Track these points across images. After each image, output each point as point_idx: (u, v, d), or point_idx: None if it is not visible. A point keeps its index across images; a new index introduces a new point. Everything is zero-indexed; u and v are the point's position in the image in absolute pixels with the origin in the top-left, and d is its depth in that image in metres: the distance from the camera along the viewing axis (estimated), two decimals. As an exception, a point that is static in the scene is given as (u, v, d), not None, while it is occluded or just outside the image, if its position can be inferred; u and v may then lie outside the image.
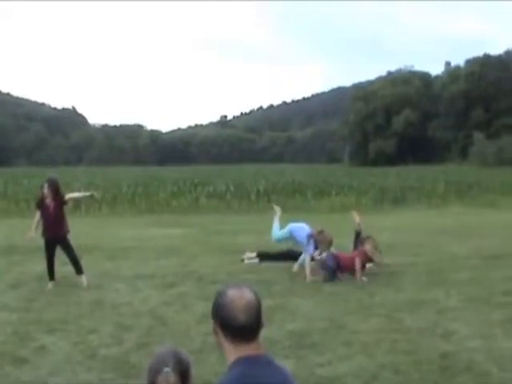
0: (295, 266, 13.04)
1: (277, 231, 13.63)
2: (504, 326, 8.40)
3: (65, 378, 6.78)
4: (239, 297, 2.67)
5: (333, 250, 12.66)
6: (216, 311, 2.72)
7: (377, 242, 12.32)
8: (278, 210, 14.22)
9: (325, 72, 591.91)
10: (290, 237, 13.29)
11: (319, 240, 12.60)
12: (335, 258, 12.18)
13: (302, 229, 13.10)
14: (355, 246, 12.93)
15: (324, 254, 12.37)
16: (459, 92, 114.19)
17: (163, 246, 16.81)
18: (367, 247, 12.20)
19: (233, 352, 2.71)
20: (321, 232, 12.86)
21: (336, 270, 12.04)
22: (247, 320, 2.65)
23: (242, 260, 14.17)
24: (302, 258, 12.99)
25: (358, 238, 12.97)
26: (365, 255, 12.12)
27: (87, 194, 14.29)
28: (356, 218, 13.40)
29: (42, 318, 9.34)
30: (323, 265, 12.29)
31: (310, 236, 12.63)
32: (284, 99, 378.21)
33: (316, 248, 12.58)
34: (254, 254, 14.28)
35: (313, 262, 12.43)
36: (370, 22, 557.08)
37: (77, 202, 25.90)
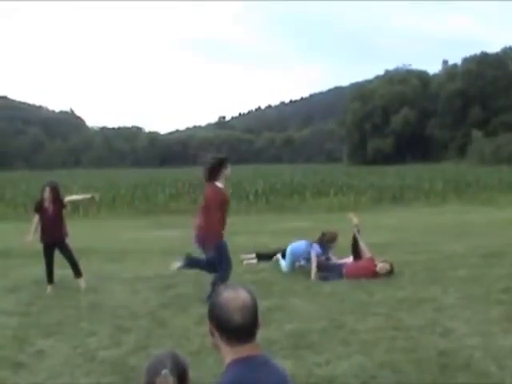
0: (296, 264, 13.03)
1: (283, 262, 13.42)
2: (502, 324, 8.39)
3: (63, 382, 6.76)
4: (234, 297, 2.67)
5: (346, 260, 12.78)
6: (212, 312, 2.72)
7: (391, 272, 12.22)
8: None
9: (322, 72, 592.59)
10: (294, 256, 13.14)
11: (327, 239, 12.64)
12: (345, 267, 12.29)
13: (299, 243, 13.06)
14: (354, 250, 12.89)
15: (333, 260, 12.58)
16: (457, 90, 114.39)
17: (162, 248, 16.79)
18: (380, 266, 12.13)
19: (229, 353, 2.71)
20: (323, 234, 12.86)
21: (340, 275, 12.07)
22: (243, 320, 2.64)
23: (242, 261, 14.15)
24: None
25: (358, 243, 12.93)
26: (371, 269, 12.11)
27: (87, 196, 14.24)
28: (354, 219, 13.33)
29: (40, 322, 9.32)
30: (328, 267, 12.37)
31: (310, 244, 12.67)
32: (282, 99, 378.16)
33: (323, 250, 12.60)
34: (253, 255, 14.27)
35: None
36: (368, 20, 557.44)
37: (75, 204, 25.89)
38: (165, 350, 3.14)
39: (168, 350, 3.13)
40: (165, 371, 2.92)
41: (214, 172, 10.10)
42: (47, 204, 11.57)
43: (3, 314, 9.97)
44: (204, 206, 10.26)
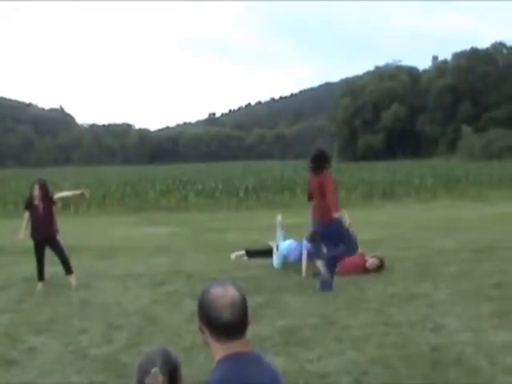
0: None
1: (274, 258, 13.40)
2: (493, 320, 8.40)
3: (55, 380, 6.74)
4: (223, 294, 2.65)
5: None
6: (201, 309, 2.70)
7: (381, 268, 12.22)
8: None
9: (313, 68, 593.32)
10: (284, 255, 13.14)
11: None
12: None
13: (290, 242, 13.06)
14: None
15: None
16: (447, 86, 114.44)
17: (152, 245, 16.78)
18: (370, 261, 12.13)
19: (219, 350, 2.69)
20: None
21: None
22: (232, 317, 2.62)
23: (235, 257, 14.12)
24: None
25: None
26: (361, 265, 12.10)
27: (77, 192, 14.16)
28: (344, 216, 13.29)
29: (31, 319, 9.29)
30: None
31: (300, 242, 12.67)
32: (272, 96, 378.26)
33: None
34: (243, 252, 14.23)
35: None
36: (358, 17, 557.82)
37: (66, 201, 25.82)
38: (156, 348, 3.11)
39: (159, 348, 3.11)
40: (154, 370, 2.89)
41: (327, 162, 11.42)
42: (37, 201, 11.54)
43: (-6, 311, 9.94)
44: (320, 192, 11.22)
